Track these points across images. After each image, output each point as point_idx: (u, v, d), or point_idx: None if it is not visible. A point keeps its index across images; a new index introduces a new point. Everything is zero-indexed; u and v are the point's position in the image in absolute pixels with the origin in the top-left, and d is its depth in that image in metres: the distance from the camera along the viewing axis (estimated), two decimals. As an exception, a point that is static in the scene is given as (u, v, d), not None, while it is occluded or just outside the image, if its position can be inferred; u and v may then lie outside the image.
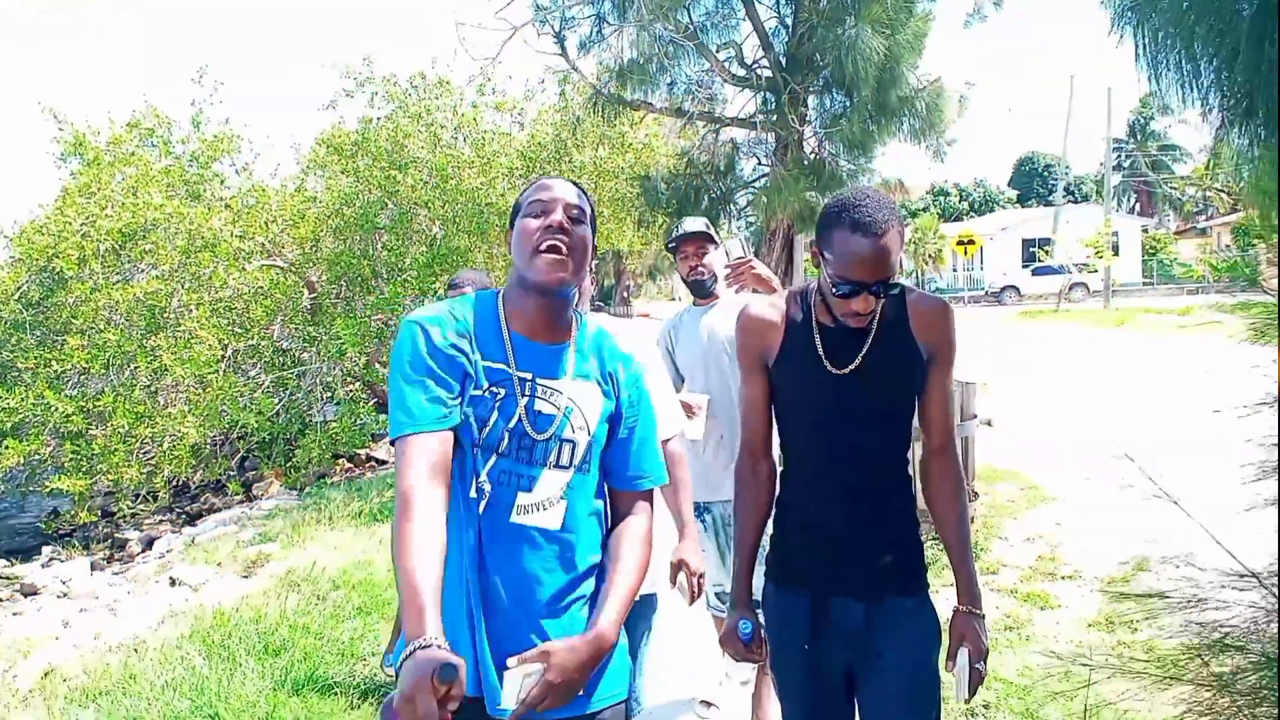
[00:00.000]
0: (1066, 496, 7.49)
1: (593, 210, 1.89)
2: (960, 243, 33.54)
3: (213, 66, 12.56)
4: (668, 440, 2.75)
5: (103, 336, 10.04)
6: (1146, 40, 2.74)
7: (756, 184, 11.88)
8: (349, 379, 11.57)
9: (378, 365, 11.80)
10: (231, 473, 11.86)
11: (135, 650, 4.99)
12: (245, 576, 6.93)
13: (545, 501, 1.77)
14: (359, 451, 11.98)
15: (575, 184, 1.87)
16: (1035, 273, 37.83)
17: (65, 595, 8.16)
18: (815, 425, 2.07)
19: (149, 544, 9.62)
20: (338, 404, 11.49)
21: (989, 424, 10.59)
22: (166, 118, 12.59)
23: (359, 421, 10.80)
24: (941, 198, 60.79)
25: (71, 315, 10.29)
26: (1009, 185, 66.26)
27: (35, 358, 10.18)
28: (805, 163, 10.93)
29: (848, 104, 10.64)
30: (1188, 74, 2.73)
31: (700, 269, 3.52)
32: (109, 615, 6.85)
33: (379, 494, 8.70)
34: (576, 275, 1.79)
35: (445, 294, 4.20)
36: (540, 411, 1.78)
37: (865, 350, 2.02)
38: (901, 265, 1.97)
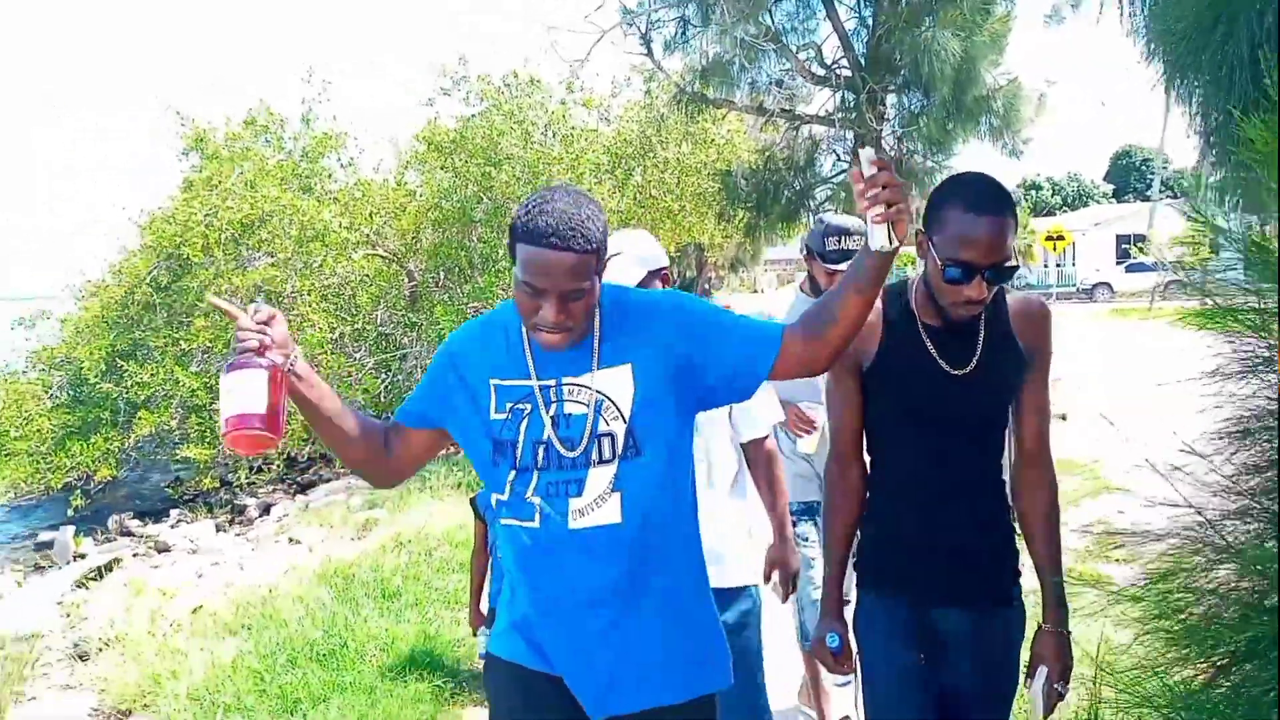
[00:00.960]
0: (1131, 486, 7.71)
1: (600, 245, 1.68)
2: (1049, 238, 33.03)
3: (317, 64, 13.43)
4: (764, 438, 2.73)
5: (225, 319, 10.94)
6: (1171, 71, 3.13)
7: (835, 180, 12.24)
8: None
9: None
10: (328, 451, 12.73)
11: (270, 592, 5.71)
12: (356, 538, 7.67)
13: (598, 500, 1.74)
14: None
15: (572, 243, 1.60)
16: (1129, 269, 37.02)
17: (194, 552, 9.04)
18: (924, 428, 1.98)
19: (266, 509, 10.50)
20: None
21: (1063, 418, 10.81)
22: (279, 115, 13.54)
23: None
24: (1033, 192, 59.61)
25: (196, 299, 11.21)
26: (1105, 179, 64.59)
27: (164, 337, 11.15)
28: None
29: (925, 103, 10.93)
30: (1199, 105, 3.11)
31: None
32: (237, 569, 7.66)
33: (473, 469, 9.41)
34: (579, 330, 1.72)
35: None
36: (570, 414, 1.76)
37: (979, 350, 1.95)
38: (1017, 254, 1.97)
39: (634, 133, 14.91)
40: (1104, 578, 5.79)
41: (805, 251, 3.40)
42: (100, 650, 5.59)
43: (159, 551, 9.35)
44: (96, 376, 10.68)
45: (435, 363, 1.90)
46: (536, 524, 1.75)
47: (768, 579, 2.73)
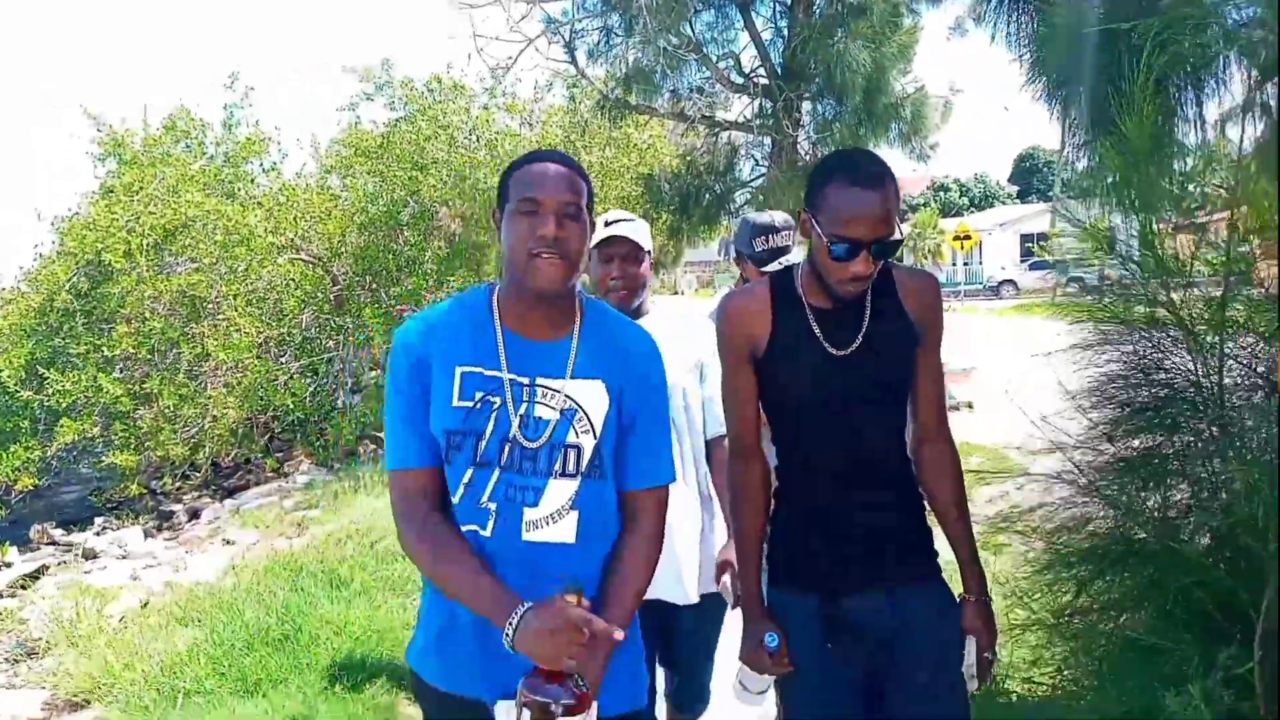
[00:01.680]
0: (1033, 465, 8.27)
1: (588, 184, 1.73)
2: (957, 238, 34.30)
3: (233, 64, 13.39)
4: (721, 438, 2.60)
5: (148, 325, 10.88)
6: (1050, 91, 3.60)
7: (754, 184, 12.73)
8: (374, 366, 12.41)
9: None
10: (262, 453, 12.71)
11: (218, 585, 5.83)
12: (293, 537, 7.76)
13: (554, 515, 1.67)
14: (380, 434, 12.84)
15: (567, 163, 1.72)
16: (1032, 267, 38.65)
17: (125, 556, 8.96)
18: (817, 412, 1.96)
19: (194, 514, 10.46)
20: (361, 389, 12.34)
21: (970, 406, 11.42)
22: (200, 120, 13.46)
23: (383, 406, 11.65)
24: (941, 193, 61.52)
25: (118, 305, 11.12)
26: (1009, 181, 66.99)
27: (86, 343, 11.01)
28: (799, 164, 11.75)
29: (838, 110, 11.47)
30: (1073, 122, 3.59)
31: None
32: (172, 570, 7.68)
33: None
34: (574, 273, 1.69)
35: None
36: (540, 417, 1.67)
37: (864, 328, 1.94)
38: (900, 229, 1.86)
39: (558, 137, 15.16)
40: (1002, 545, 6.31)
41: (735, 254, 3.35)
42: (46, 650, 5.63)
43: (87, 558, 9.25)
44: (16, 385, 10.51)
45: (396, 374, 1.73)
46: (489, 532, 1.65)
47: (718, 580, 2.61)
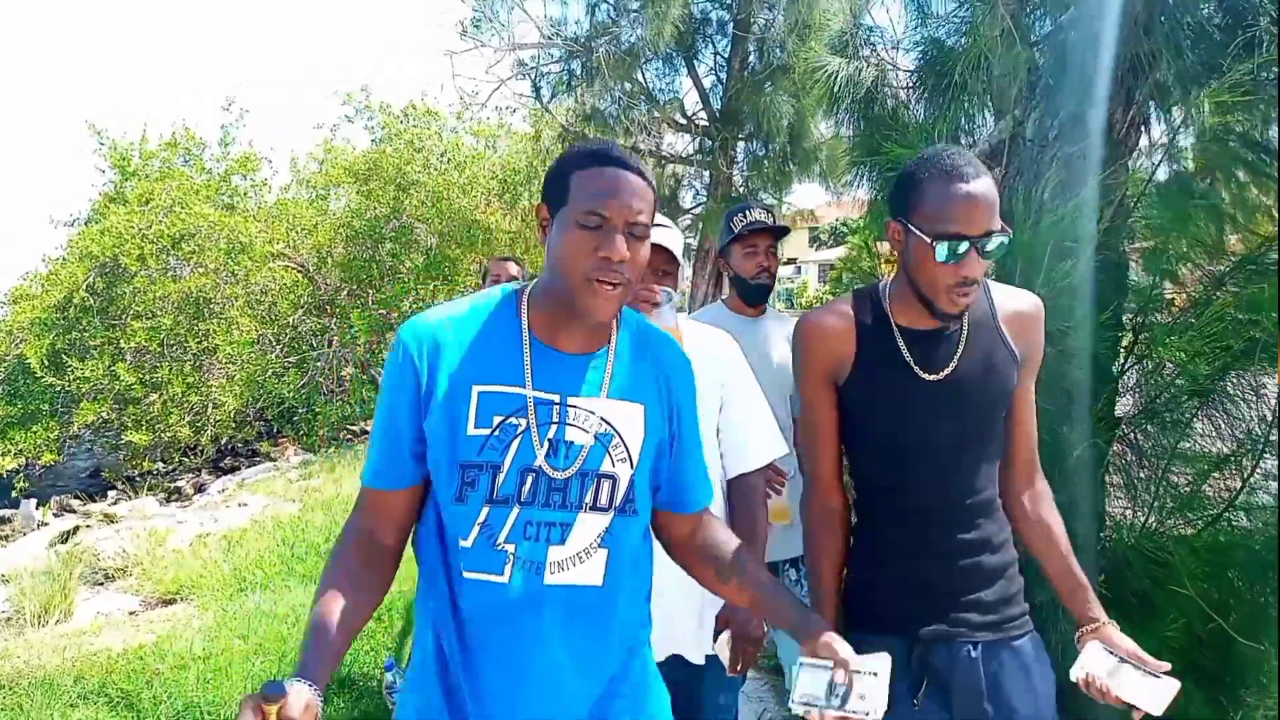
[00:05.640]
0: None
1: (657, 197, 1.49)
2: (888, 261, 36.43)
3: (226, 84, 14.88)
4: (753, 474, 2.27)
5: (158, 321, 12.36)
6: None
7: (694, 211, 14.56)
8: (357, 364, 14.01)
9: (382, 350, 14.23)
10: (250, 440, 14.19)
11: (257, 526, 7.40)
12: (301, 502, 9.29)
13: (582, 554, 1.46)
14: (356, 426, 14.42)
15: (640, 172, 1.44)
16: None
17: (147, 519, 10.40)
18: (906, 444, 1.78)
19: (200, 489, 11.93)
20: (344, 384, 13.92)
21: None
22: (200, 139, 14.98)
23: (364, 398, 13.29)
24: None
25: (131, 302, 12.58)
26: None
27: (102, 336, 12.45)
28: (733, 195, 13.60)
29: (767, 150, 13.35)
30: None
31: (770, 270, 3.06)
32: (200, 526, 9.15)
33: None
34: (628, 298, 1.45)
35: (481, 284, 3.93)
36: (571, 441, 1.45)
37: (960, 351, 1.76)
38: (1005, 226, 1.65)
39: (522, 161, 16.87)
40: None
41: (722, 258, 3.17)
42: (124, 572, 7.15)
43: (110, 523, 10.64)
44: (41, 371, 11.92)
45: (389, 375, 1.49)
46: (505, 578, 1.44)
47: (715, 639, 2.20)
